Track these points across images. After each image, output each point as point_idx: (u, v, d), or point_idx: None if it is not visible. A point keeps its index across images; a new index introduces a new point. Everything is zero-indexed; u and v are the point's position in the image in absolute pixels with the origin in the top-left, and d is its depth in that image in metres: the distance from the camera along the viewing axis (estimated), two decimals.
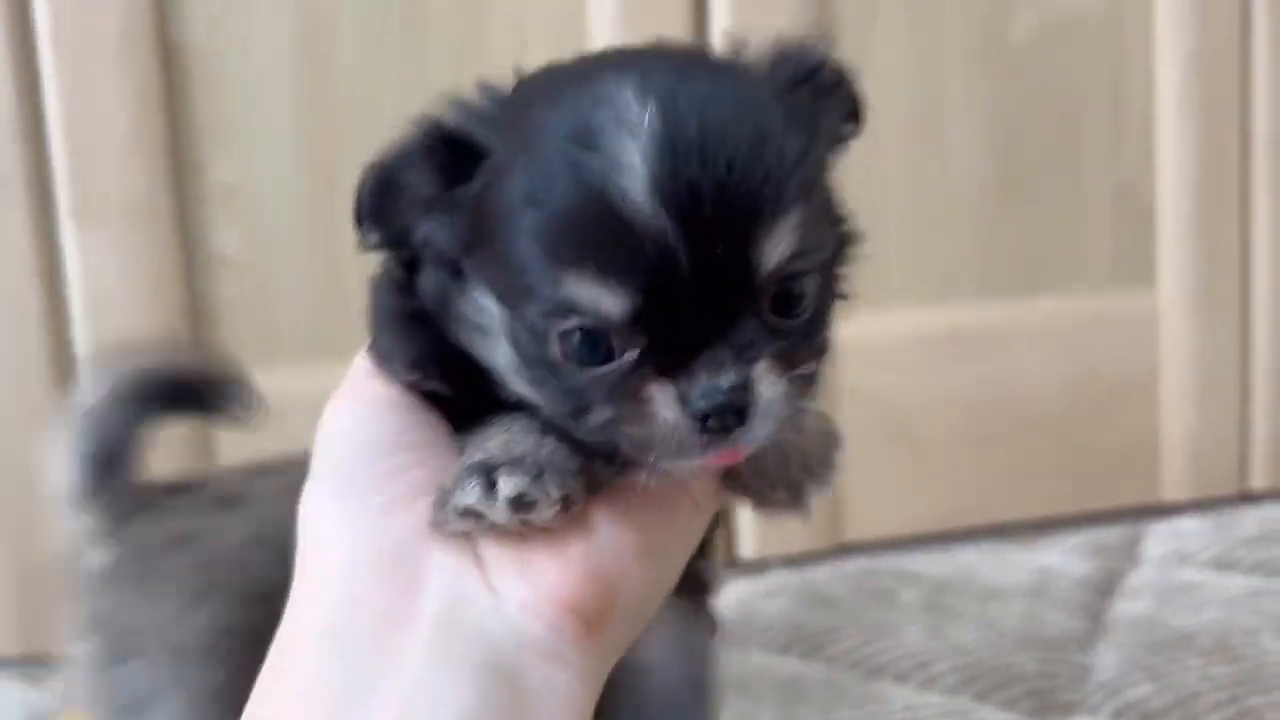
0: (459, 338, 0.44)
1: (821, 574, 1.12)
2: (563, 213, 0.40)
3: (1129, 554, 1.14)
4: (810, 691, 0.91)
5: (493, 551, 0.42)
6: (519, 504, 0.40)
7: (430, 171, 0.43)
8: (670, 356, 0.40)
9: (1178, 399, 1.24)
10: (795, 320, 0.42)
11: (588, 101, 0.41)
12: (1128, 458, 1.25)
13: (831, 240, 0.45)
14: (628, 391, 0.40)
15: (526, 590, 0.41)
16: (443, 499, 0.41)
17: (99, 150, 1.05)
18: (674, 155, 0.39)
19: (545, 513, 0.40)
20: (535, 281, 0.40)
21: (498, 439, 0.42)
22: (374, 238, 0.45)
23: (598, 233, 0.39)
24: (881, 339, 1.20)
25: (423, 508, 0.42)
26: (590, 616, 0.41)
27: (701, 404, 0.39)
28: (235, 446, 1.06)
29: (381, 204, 0.44)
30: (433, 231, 0.43)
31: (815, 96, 0.44)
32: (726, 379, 0.40)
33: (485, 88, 0.44)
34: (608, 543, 0.42)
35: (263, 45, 1.07)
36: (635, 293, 0.39)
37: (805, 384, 0.42)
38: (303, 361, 1.11)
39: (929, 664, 0.94)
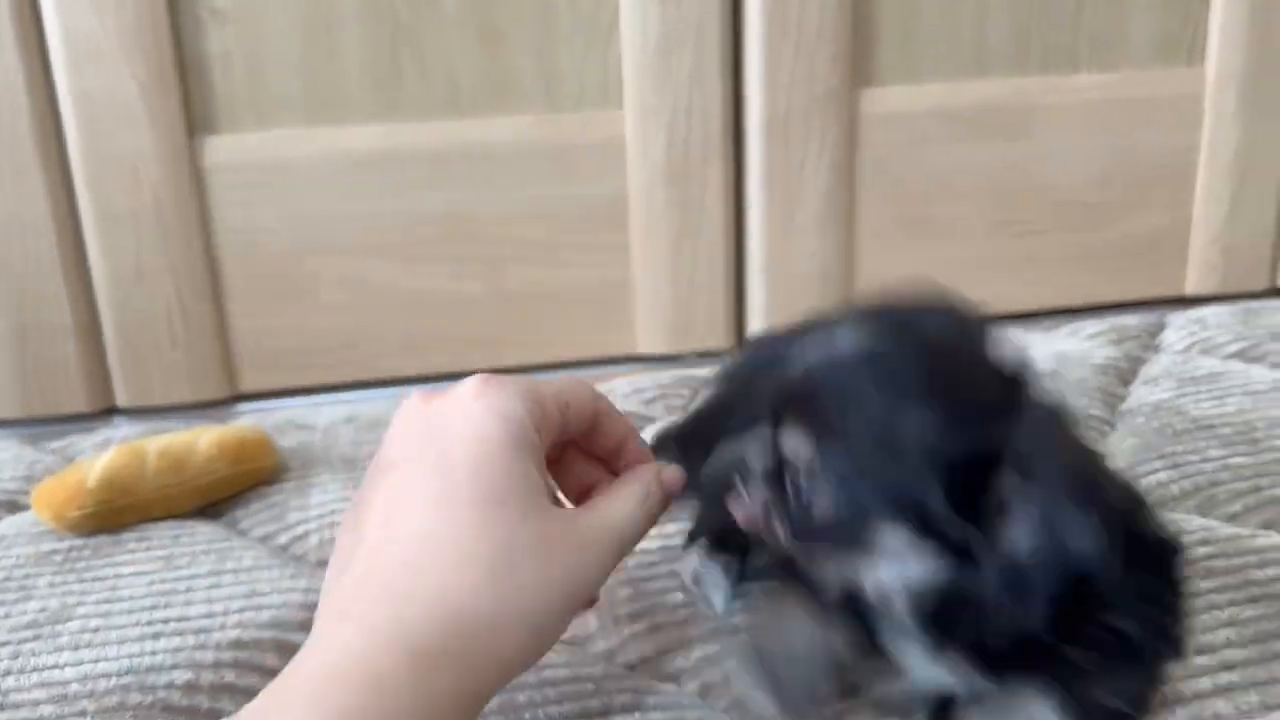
0: None
1: None
2: None
3: (1151, 342, 1.10)
4: None
5: None
6: None
7: None
8: None
9: (1213, 188, 1.19)
10: None
11: None
12: (1157, 248, 1.21)
13: None
14: None
15: None
16: None
17: None
18: None
19: None
20: None
21: None
22: None
23: None
24: (908, 113, 1.14)
25: None
26: None
27: None
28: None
29: None
30: None
31: None
32: None
33: None
34: None
35: None
36: None
37: None
38: (294, 123, 1.05)
39: None
